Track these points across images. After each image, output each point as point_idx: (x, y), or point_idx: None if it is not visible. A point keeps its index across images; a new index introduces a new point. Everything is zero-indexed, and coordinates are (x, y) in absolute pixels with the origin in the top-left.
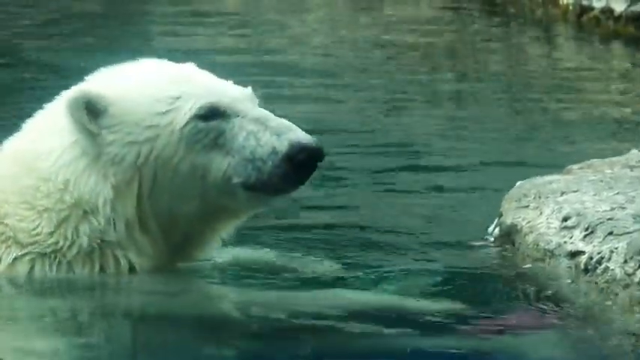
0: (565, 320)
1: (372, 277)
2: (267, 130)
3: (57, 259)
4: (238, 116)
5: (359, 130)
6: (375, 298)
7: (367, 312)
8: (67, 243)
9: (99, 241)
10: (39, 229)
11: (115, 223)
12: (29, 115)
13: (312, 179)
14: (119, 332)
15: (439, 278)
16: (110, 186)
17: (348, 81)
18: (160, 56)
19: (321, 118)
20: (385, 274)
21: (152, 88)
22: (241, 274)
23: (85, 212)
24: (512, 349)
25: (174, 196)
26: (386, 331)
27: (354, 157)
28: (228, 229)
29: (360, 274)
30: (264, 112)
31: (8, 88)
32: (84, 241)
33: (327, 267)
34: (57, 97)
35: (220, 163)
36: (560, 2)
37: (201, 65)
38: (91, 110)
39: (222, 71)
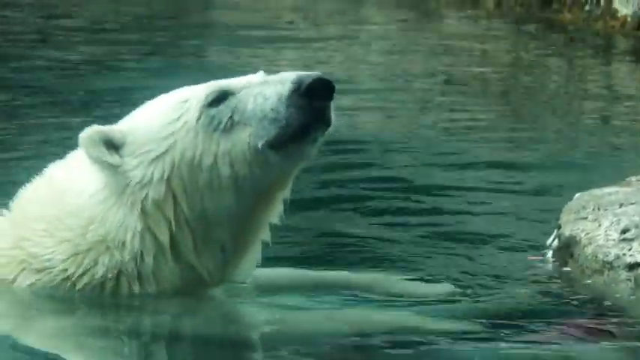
0: (622, 332)
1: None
2: (270, 84)
3: (67, 289)
4: (244, 89)
5: (416, 137)
6: (399, 317)
7: (395, 332)
8: (80, 271)
9: (115, 272)
10: (51, 256)
11: (142, 256)
12: None
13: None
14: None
15: (494, 293)
16: (137, 215)
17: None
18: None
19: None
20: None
21: (164, 105)
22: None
23: (108, 248)
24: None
25: (208, 199)
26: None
27: (415, 167)
28: (273, 216)
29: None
30: (268, 76)
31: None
32: (99, 271)
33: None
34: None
35: (242, 138)
36: (619, 14)
37: None
38: (111, 144)
39: None
